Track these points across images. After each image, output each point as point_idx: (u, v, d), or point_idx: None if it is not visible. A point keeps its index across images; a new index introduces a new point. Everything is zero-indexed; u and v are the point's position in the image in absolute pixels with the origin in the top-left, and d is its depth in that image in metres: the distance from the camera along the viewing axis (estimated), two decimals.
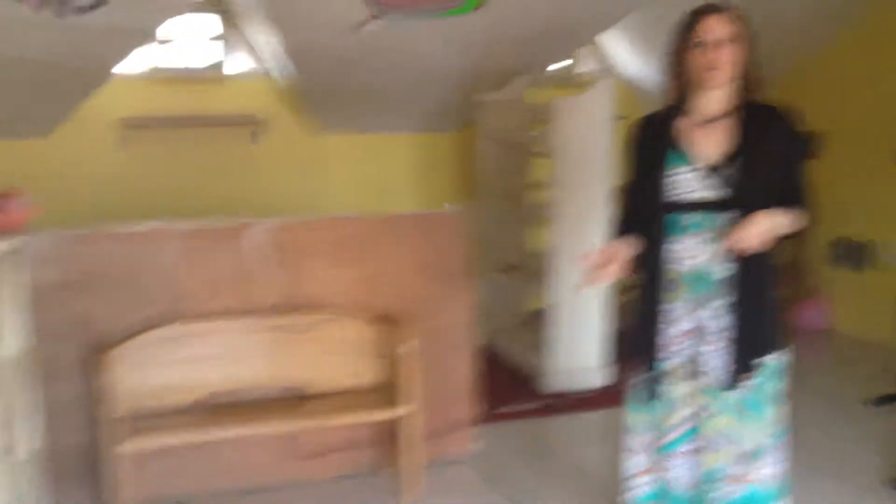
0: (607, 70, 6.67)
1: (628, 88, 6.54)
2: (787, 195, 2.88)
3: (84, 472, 3.69)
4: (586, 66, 6.82)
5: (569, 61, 6.71)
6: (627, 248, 3.02)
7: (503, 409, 4.88)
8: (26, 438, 3.23)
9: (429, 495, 3.89)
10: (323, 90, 5.64)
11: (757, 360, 2.95)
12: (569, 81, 6.50)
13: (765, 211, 2.83)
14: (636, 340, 3.08)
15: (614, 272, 2.98)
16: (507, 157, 5.84)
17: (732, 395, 2.96)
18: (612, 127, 4.97)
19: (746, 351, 2.93)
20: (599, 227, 5.00)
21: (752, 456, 3.01)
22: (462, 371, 4.21)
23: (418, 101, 6.00)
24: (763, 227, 2.81)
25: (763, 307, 2.96)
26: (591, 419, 4.75)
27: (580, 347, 5.13)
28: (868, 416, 4.78)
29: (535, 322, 5.50)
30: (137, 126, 5.58)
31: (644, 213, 3.01)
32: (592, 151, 4.96)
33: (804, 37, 6.15)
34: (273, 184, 5.93)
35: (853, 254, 6.25)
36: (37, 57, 4.60)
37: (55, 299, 3.55)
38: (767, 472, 3.06)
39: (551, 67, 6.39)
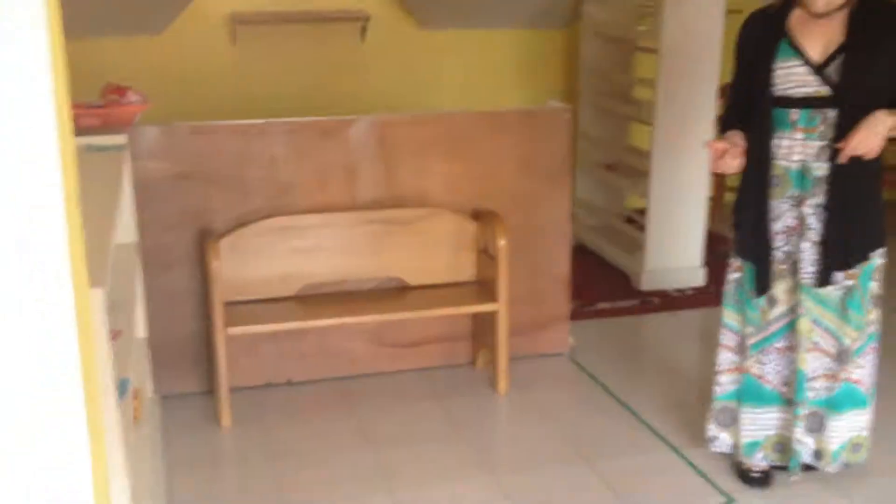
0: None
1: None
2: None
3: (196, 357, 3.91)
4: None
5: None
6: (743, 140, 3.01)
7: (601, 306, 4.93)
8: (140, 324, 3.44)
9: (528, 386, 4.01)
10: None
11: (852, 260, 2.93)
12: None
13: (881, 112, 2.76)
14: (739, 236, 3.09)
15: (739, 164, 2.97)
16: (612, 53, 5.74)
17: (833, 293, 2.95)
18: (723, 22, 4.83)
19: (842, 250, 2.92)
20: (705, 125, 4.92)
21: (851, 354, 3.01)
22: (559, 267, 4.25)
23: None
24: (880, 129, 2.76)
25: (862, 207, 2.94)
26: (688, 317, 4.77)
27: (679, 247, 5.11)
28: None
29: (635, 221, 5.47)
30: (248, 22, 5.67)
31: (752, 107, 2.98)
32: (702, 47, 4.84)
33: None
34: (380, 80, 5.97)
35: None
36: None
37: (167, 191, 3.71)
38: (863, 372, 3.07)
39: None
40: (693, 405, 3.76)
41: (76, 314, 1.18)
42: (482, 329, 4.10)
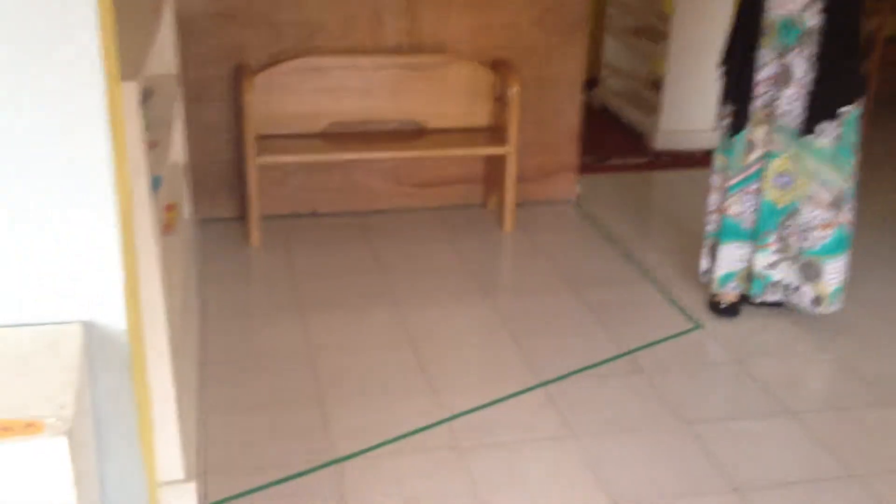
0: None
1: None
2: None
3: (231, 185, 4.28)
4: None
5: None
6: None
7: (613, 161, 5.20)
8: (180, 150, 3.79)
9: (533, 227, 4.34)
10: None
11: (839, 108, 3.16)
12: None
13: None
14: (727, 82, 3.33)
15: None
16: None
17: (827, 144, 3.19)
18: None
19: (830, 100, 3.14)
20: None
21: (841, 200, 3.27)
22: (571, 118, 4.52)
23: None
24: None
25: (846, 58, 3.14)
26: (696, 176, 5.01)
27: (693, 109, 5.32)
28: None
29: (657, 84, 5.67)
30: None
31: None
32: None
33: None
34: None
35: None
36: None
37: (207, 28, 4.01)
38: (850, 216, 3.33)
39: None
40: (685, 250, 4.07)
41: (108, 104, 1.38)
42: (494, 173, 4.41)
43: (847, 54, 3.15)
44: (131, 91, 2.09)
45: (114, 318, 1.40)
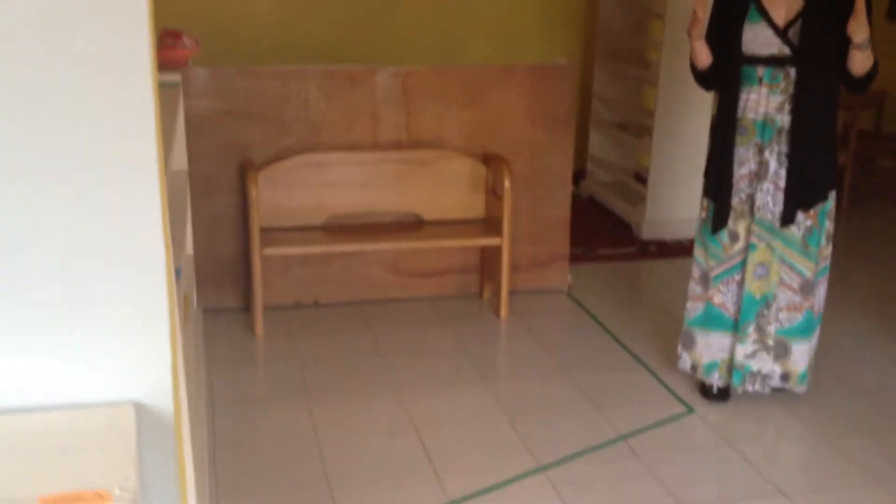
0: None
1: None
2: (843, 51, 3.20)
3: (235, 276, 4.42)
4: None
5: None
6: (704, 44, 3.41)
7: (602, 251, 5.38)
8: (188, 243, 3.94)
9: (527, 315, 4.48)
10: None
11: (811, 201, 3.36)
12: None
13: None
14: (709, 178, 3.52)
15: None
16: (627, 18, 6.13)
17: (796, 232, 3.38)
18: None
19: (803, 192, 3.34)
20: None
21: (811, 286, 3.45)
22: (561, 209, 4.71)
23: None
24: (865, 25, 3.12)
25: (819, 154, 3.34)
26: (681, 264, 5.18)
27: (678, 199, 5.53)
28: None
29: (642, 177, 5.89)
30: None
31: (721, 62, 3.41)
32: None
33: None
34: (411, 33, 6.40)
35: None
36: None
37: (214, 126, 4.21)
38: (819, 299, 3.51)
39: None
40: (674, 336, 4.20)
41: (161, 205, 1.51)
42: (489, 263, 4.57)
43: (819, 151, 3.34)
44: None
45: (163, 399, 1.51)
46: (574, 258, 4.92)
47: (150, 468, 1.54)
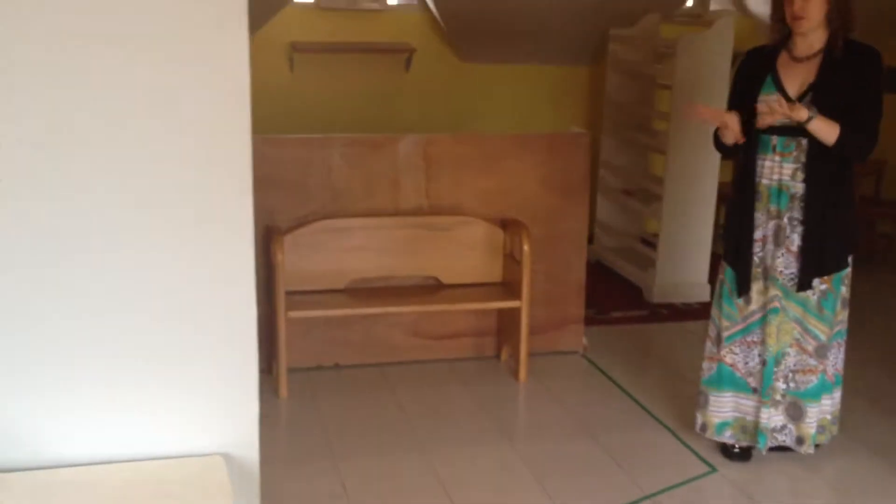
0: (739, 7, 6.99)
1: (757, 26, 6.86)
2: (847, 122, 3.32)
3: (259, 338, 4.47)
4: (719, 3, 7.16)
5: None
6: (736, 120, 3.47)
7: (615, 314, 5.47)
8: None
9: (545, 377, 4.55)
10: (464, 23, 6.24)
11: (828, 269, 3.46)
12: (698, 19, 6.87)
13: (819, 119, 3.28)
14: (727, 242, 3.63)
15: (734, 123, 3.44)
16: (633, 89, 6.31)
17: (812, 297, 3.47)
18: (730, 60, 5.39)
19: (818, 259, 3.45)
20: (713, 154, 5.46)
21: (825, 349, 3.54)
22: (576, 273, 4.81)
23: (556, 35, 6.49)
24: (797, 112, 3.26)
25: (834, 221, 3.45)
26: (693, 327, 5.28)
27: (687, 264, 5.65)
28: None
29: (650, 242, 6.01)
30: (305, 50, 6.30)
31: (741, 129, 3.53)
32: (710, 84, 5.40)
33: None
34: (422, 106, 6.57)
35: None
36: None
37: None
38: (833, 362, 3.59)
39: (687, 4, 6.80)
40: (690, 398, 4.27)
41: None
42: (507, 325, 4.66)
43: (833, 218, 3.45)
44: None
45: (249, 450, 1.59)
46: (587, 321, 5.00)
47: None
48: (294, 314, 4.22)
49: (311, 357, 4.56)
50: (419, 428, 3.98)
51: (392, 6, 6.54)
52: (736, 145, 3.53)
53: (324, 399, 4.25)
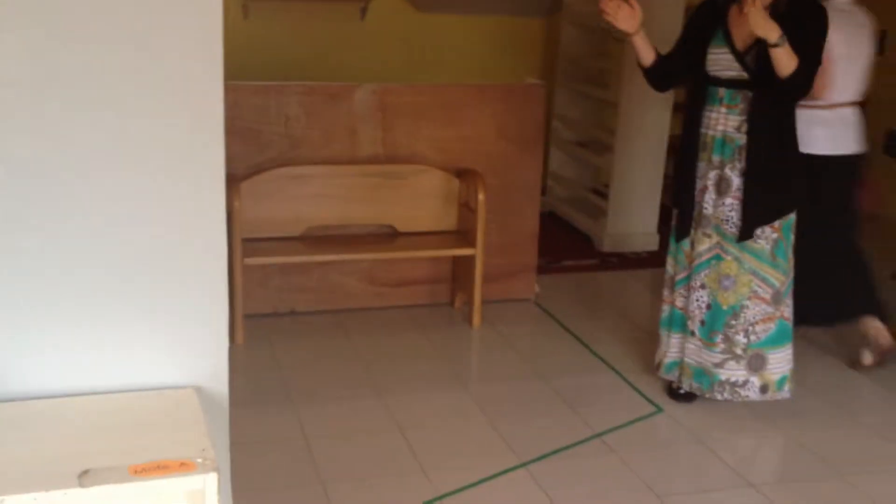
0: None
1: None
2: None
3: None
4: None
5: None
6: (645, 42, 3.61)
7: (566, 263, 5.59)
8: None
9: (498, 323, 4.66)
10: None
11: (769, 218, 3.58)
12: None
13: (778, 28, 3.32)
14: (674, 192, 3.74)
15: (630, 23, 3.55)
16: (589, 41, 6.38)
17: (765, 246, 3.58)
18: (682, 11, 5.46)
19: (760, 210, 3.56)
20: (663, 107, 5.57)
21: (782, 295, 3.66)
22: (529, 223, 4.90)
23: None
24: (769, 22, 3.30)
25: (776, 173, 3.56)
26: (642, 275, 5.43)
27: (637, 214, 5.77)
28: (889, 287, 5.35)
29: (601, 193, 6.12)
30: None
31: (689, 79, 3.61)
32: (663, 35, 5.43)
33: None
34: (378, 55, 6.56)
35: None
36: None
37: None
38: (790, 309, 3.72)
39: None
40: (638, 342, 4.43)
41: None
42: (461, 273, 4.74)
43: (776, 170, 3.56)
44: None
45: (219, 385, 1.66)
46: (540, 269, 5.11)
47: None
48: (250, 261, 4.26)
49: (267, 303, 4.61)
50: (375, 373, 4.06)
51: None
52: (650, 73, 3.65)
53: (280, 345, 4.32)
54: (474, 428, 3.63)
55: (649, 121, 5.59)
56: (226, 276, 1.61)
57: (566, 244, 5.93)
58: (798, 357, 3.86)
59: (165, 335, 1.58)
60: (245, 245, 4.29)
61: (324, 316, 4.65)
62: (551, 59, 6.81)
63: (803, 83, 3.44)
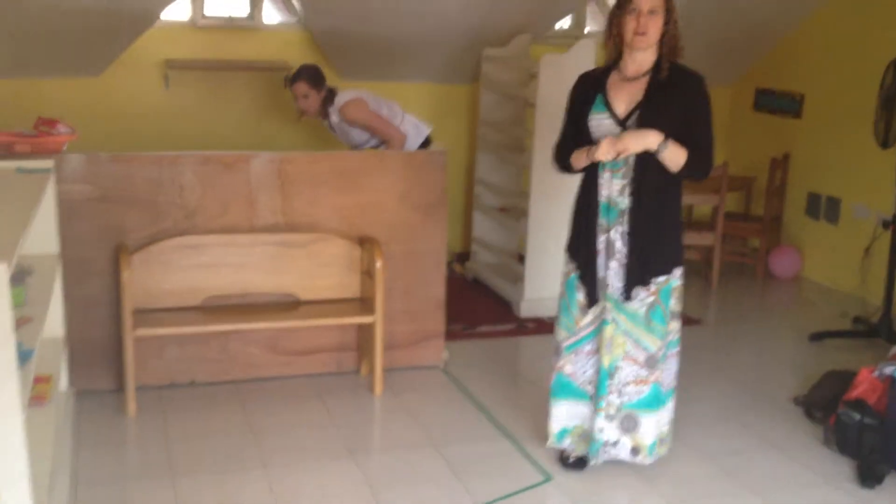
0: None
1: None
2: (690, 146, 3.48)
3: (110, 358, 4.45)
4: (597, 24, 7.33)
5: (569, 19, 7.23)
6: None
7: (482, 329, 5.55)
8: (59, 325, 3.98)
9: (401, 391, 4.60)
10: (342, 41, 6.29)
11: (649, 277, 3.57)
12: (567, 40, 7.03)
13: (657, 134, 3.42)
14: (573, 255, 3.73)
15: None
16: (507, 107, 6.43)
17: (640, 309, 3.58)
18: None
19: (640, 270, 3.57)
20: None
21: (657, 360, 3.64)
22: (436, 288, 4.87)
23: (434, 54, 6.59)
24: (649, 140, 3.41)
25: (658, 235, 3.58)
26: None
27: (552, 278, 5.69)
28: (807, 349, 5.36)
29: (523, 256, 6.11)
30: (180, 68, 6.28)
31: (575, 146, 3.65)
32: None
33: (797, 2, 6.61)
34: (302, 125, 6.59)
35: (826, 208, 6.72)
36: (91, 4, 5.32)
37: (89, 211, 4.29)
38: (665, 374, 3.70)
39: (559, 25, 6.95)
40: (542, 409, 4.35)
41: None
42: (365, 341, 4.69)
43: (657, 231, 3.57)
44: (3, 272, 2.32)
45: None
46: (454, 335, 5.07)
47: None
48: (142, 332, 4.20)
49: (165, 375, 4.54)
50: (265, 444, 3.99)
51: (268, 24, 6.56)
52: (564, 156, 3.72)
53: (173, 417, 4.24)
54: (354, 500, 3.55)
55: (559, 184, 5.58)
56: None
57: (485, 310, 5.90)
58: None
59: None
60: (138, 316, 4.23)
61: (224, 386, 4.58)
62: (474, 127, 6.86)
63: (701, 167, 3.53)
